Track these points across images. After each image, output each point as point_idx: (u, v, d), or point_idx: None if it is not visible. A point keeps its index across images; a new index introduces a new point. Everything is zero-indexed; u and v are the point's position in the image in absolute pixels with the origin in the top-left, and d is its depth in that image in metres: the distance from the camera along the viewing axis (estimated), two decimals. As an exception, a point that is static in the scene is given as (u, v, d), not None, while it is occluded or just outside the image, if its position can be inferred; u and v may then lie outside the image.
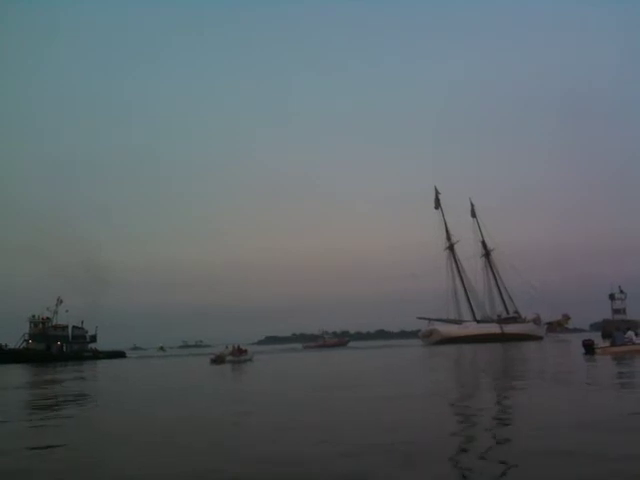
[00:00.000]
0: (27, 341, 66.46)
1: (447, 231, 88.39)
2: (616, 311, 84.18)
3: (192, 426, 10.02)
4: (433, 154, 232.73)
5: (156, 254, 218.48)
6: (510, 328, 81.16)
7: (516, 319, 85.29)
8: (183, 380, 25.62)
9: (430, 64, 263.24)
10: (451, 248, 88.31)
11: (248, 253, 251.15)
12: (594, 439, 7.35)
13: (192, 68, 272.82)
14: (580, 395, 12.63)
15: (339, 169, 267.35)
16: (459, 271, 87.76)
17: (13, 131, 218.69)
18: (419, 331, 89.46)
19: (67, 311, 70.06)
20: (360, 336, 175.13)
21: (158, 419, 11.33)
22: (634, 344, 28.06)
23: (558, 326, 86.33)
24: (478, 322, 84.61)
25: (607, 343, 30.45)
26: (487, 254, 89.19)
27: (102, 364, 51.81)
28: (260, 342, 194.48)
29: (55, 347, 67.81)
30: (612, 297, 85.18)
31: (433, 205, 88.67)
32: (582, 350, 28.54)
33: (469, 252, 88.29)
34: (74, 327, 71.95)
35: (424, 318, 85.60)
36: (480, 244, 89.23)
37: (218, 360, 37.60)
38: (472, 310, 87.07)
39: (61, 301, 69.51)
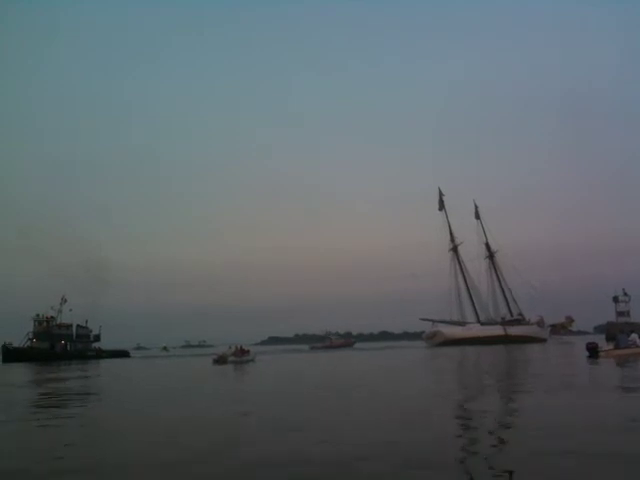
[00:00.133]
0: (31, 340, 66.56)
1: (451, 232, 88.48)
2: (620, 314, 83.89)
3: (194, 426, 10.05)
4: (433, 154, 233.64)
5: (156, 254, 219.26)
6: (514, 330, 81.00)
7: (520, 321, 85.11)
8: (186, 380, 25.66)
9: (430, 64, 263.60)
10: (455, 249, 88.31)
11: (248, 253, 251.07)
12: (594, 439, 7.35)
13: (192, 68, 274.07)
14: (582, 398, 12.59)
15: (339, 169, 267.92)
16: (463, 272, 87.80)
17: (13, 131, 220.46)
18: (422, 332, 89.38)
19: (71, 310, 70.35)
20: (363, 337, 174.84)
21: (161, 419, 11.36)
22: (638, 347, 27.93)
23: (562, 328, 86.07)
24: (482, 324, 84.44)
25: (611, 346, 30.32)
26: (491, 256, 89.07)
27: (106, 363, 51.94)
28: (263, 342, 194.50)
29: (59, 346, 67.97)
30: (616, 299, 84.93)
31: (436, 206, 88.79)
32: (586, 353, 28.46)
33: (473, 253, 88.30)
34: (78, 326, 72.18)
35: (427, 319, 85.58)
36: (484, 246, 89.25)
37: (220, 360, 37.71)
38: (476, 312, 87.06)
39: (65, 300, 69.73)
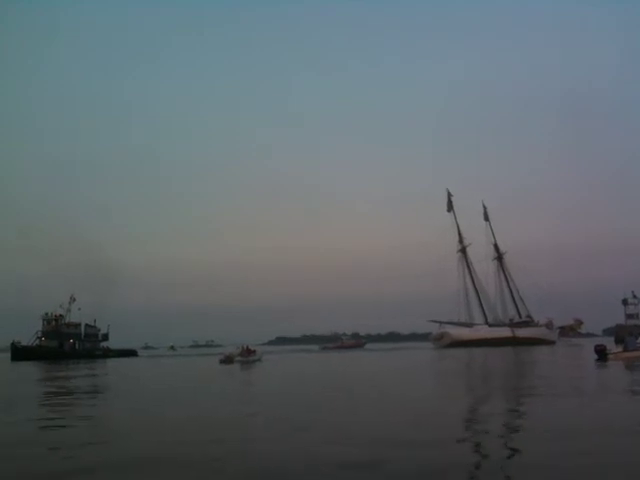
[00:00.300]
0: (40, 338, 66.85)
1: (459, 234, 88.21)
2: (629, 316, 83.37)
3: (200, 425, 10.06)
4: (433, 154, 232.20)
5: (156, 254, 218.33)
6: (522, 332, 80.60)
7: (528, 323, 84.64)
8: (192, 380, 25.73)
9: (430, 64, 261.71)
10: (463, 250, 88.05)
11: (248, 253, 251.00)
12: (602, 442, 7.30)
13: (192, 68, 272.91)
14: (591, 401, 12.50)
15: (339, 169, 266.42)
16: (471, 274, 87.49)
17: (13, 131, 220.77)
18: (430, 334, 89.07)
19: (80, 309, 70.59)
20: (371, 338, 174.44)
21: (167, 419, 11.38)
22: (647, 350, 27.72)
23: (571, 330, 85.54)
24: (490, 325, 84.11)
25: (620, 348, 30.09)
26: (499, 257, 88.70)
27: (113, 362, 52.18)
28: (270, 342, 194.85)
29: (68, 345, 68.18)
30: (625, 302, 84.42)
31: (438, 206, 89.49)
32: (594, 356, 28.26)
33: (480, 255, 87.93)
34: (87, 325, 72.43)
35: (435, 321, 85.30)
36: (492, 247, 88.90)
37: (227, 360, 37.88)
38: (484, 313, 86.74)
39: (74, 299, 69.78)
